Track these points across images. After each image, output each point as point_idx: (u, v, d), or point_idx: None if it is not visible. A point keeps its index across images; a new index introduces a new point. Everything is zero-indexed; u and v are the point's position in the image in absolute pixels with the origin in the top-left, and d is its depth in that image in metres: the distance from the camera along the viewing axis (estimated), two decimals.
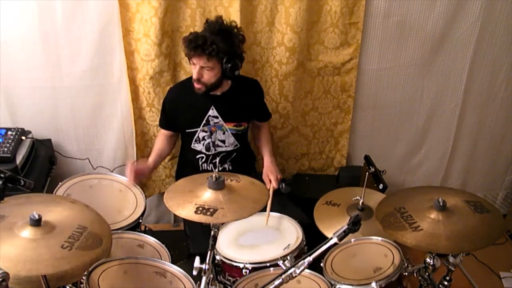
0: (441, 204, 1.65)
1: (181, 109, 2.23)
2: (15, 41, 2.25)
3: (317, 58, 2.56)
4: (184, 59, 2.42)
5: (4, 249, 1.32)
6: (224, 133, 2.25)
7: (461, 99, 2.78)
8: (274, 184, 2.16)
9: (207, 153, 2.28)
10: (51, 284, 1.32)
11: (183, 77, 2.47)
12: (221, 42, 2.00)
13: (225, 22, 2.10)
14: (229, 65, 2.06)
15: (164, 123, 2.32)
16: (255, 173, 2.47)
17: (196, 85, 2.11)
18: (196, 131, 2.24)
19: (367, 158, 2.53)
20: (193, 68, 2.09)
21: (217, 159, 2.29)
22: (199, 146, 2.28)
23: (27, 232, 1.39)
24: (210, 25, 2.08)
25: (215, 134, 2.25)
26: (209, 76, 2.08)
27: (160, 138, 2.35)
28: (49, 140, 2.48)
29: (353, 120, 2.77)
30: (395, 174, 2.92)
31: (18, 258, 1.31)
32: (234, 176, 1.80)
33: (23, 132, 2.30)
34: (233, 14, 2.31)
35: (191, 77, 2.25)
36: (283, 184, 2.33)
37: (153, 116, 2.51)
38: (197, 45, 1.98)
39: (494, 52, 2.67)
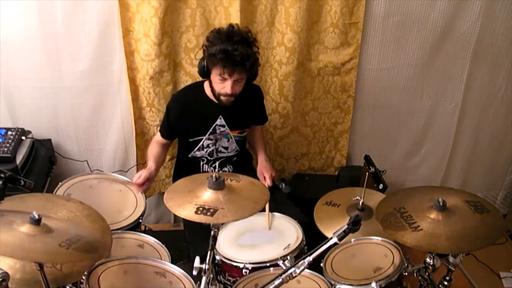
0: (441, 204, 1.65)
1: (187, 117, 2.18)
2: (15, 41, 2.25)
3: (317, 58, 2.56)
4: (184, 59, 2.42)
5: (2, 237, 1.30)
6: (228, 140, 2.25)
7: (461, 99, 2.78)
8: (268, 182, 2.17)
9: (208, 158, 2.27)
10: (51, 284, 1.32)
11: (183, 77, 2.47)
12: (252, 53, 1.97)
13: (240, 29, 2.02)
14: (253, 72, 2.06)
15: (166, 132, 2.24)
16: (254, 172, 2.47)
17: (226, 98, 2.05)
18: (201, 139, 2.21)
19: (367, 158, 2.53)
20: (223, 83, 2.01)
21: (217, 163, 2.28)
22: (200, 153, 2.25)
23: (26, 228, 1.38)
24: (230, 36, 1.96)
25: (220, 142, 2.24)
26: (239, 87, 2.05)
27: (156, 146, 2.27)
28: (49, 140, 2.48)
29: (353, 120, 2.77)
30: (395, 174, 2.91)
31: (14, 245, 1.30)
32: (234, 176, 1.80)
33: (23, 132, 2.30)
34: (233, 14, 2.31)
35: (195, 84, 2.25)
36: (283, 184, 2.33)
37: (153, 116, 2.51)
38: (236, 61, 1.92)
39: (494, 52, 2.67)
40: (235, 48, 1.91)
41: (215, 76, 2.02)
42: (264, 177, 2.21)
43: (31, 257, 1.28)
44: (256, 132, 2.41)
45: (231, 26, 2.01)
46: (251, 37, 2.02)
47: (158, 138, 2.29)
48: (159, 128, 2.32)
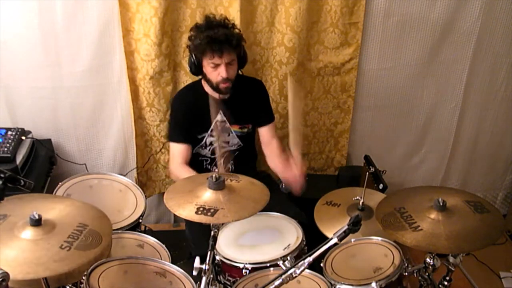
0: (441, 204, 1.65)
1: (190, 116, 2.19)
2: (15, 41, 2.24)
3: (317, 58, 2.56)
4: (184, 59, 2.42)
5: (3, 252, 1.32)
6: (229, 135, 2.25)
7: (461, 99, 2.78)
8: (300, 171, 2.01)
9: (212, 156, 2.27)
10: (51, 284, 1.32)
11: (183, 77, 2.47)
12: (234, 32, 2.03)
13: (216, 16, 2.10)
14: (242, 54, 2.09)
15: (180, 135, 2.18)
16: (255, 172, 2.47)
17: (224, 84, 2.06)
18: (204, 136, 2.22)
19: (367, 158, 2.53)
20: (217, 69, 2.03)
21: (222, 160, 2.27)
22: (203, 151, 2.26)
23: (27, 233, 1.39)
24: (209, 25, 2.03)
25: (221, 137, 2.25)
26: (233, 71, 2.08)
27: (183, 168, 2.14)
28: (49, 140, 2.48)
29: (353, 120, 2.77)
30: (395, 174, 2.92)
31: (16, 261, 1.31)
32: (234, 176, 1.80)
33: (23, 132, 2.30)
34: (233, 14, 2.31)
35: (192, 83, 2.24)
36: (283, 184, 2.32)
37: (153, 116, 2.51)
38: (221, 41, 1.96)
39: (494, 52, 2.67)
40: (216, 32, 1.97)
41: (207, 66, 2.05)
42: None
43: (32, 274, 1.29)
44: (275, 150, 2.27)
45: (207, 16, 2.08)
46: (230, 22, 2.08)
47: (177, 157, 2.17)
48: (172, 149, 2.22)
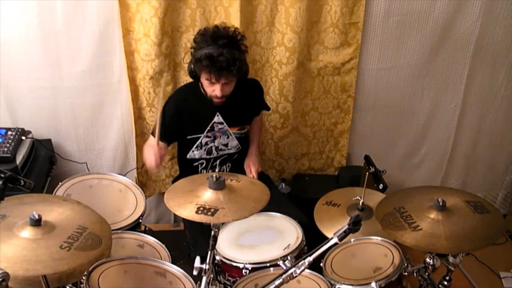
0: (441, 204, 1.65)
1: (184, 116, 2.15)
2: (15, 41, 2.24)
3: (317, 58, 2.56)
4: (184, 59, 2.42)
5: (3, 249, 1.32)
6: (228, 137, 2.23)
7: (461, 99, 2.78)
8: (254, 175, 2.19)
9: (207, 157, 2.25)
10: (52, 284, 1.32)
11: (183, 77, 2.47)
12: (238, 54, 1.94)
13: (226, 29, 1.99)
14: (244, 71, 2.04)
15: (162, 134, 2.14)
16: None
17: (218, 100, 2.04)
18: (199, 137, 2.19)
19: (367, 158, 2.53)
20: (213, 86, 1.99)
21: (218, 162, 2.27)
22: (198, 153, 2.23)
23: (27, 232, 1.39)
24: (215, 38, 1.93)
25: (219, 139, 2.22)
26: (229, 89, 2.03)
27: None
28: (49, 140, 2.48)
29: (353, 120, 2.77)
30: (395, 174, 2.91)
31: (16, 258, 1.31)
32: (234, 176, 1.80)
33: (23, 132, 2.30)
34: (233, 14, 2.31)
35: (190, 84, 2.22)
36: (283, 184, 2.33)
37: (153, 116, 2.51)
38: (221, 67, 1.89)
39: (494, 52, 2.67)
40: (220, 53, 1.88)
41: (204, 80, 2.02)
42: (250, 170, 2.23)
43: (32, 271, 1.28)
44: (255, 122, 2.36)
45: (216, 27, 1.98)
46: (239, 34, 1.99)
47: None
48: (151, 131, 2.22)
